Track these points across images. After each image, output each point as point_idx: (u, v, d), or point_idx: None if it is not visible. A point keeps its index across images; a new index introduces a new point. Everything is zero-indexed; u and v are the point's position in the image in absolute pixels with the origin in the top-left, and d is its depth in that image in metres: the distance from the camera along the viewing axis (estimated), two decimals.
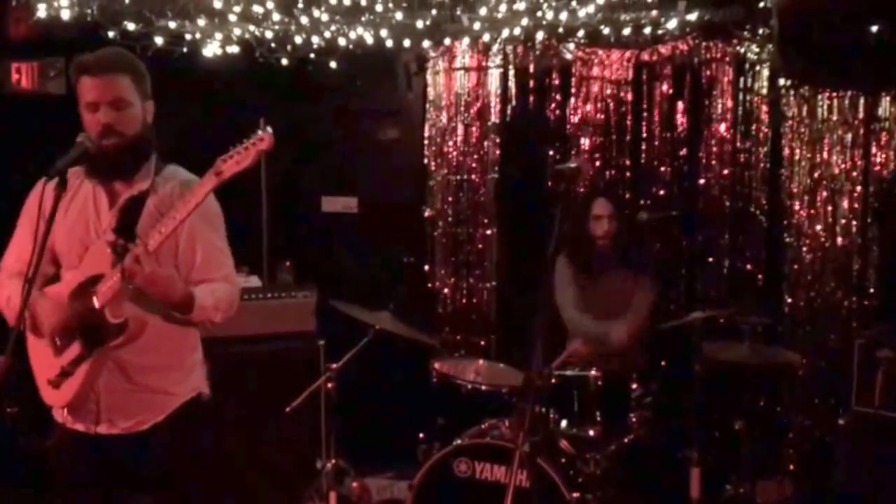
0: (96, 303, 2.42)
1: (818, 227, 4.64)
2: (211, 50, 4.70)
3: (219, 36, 4.62)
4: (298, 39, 4.68)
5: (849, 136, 4.57)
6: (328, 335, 4.22)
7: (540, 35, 4.71)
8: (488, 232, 5.14)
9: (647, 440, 3.69)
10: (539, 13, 4.47)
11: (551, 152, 5.00)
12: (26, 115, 4.77)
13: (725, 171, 4.81)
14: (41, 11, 4.45)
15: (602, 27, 4.56)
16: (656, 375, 3.90)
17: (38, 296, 2.48)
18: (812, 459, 4.52)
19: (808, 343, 4.59)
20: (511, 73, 5.03)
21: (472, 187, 5.14)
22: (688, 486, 3.67)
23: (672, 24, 4.49)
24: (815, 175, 4.65)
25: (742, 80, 4.76)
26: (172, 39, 4.55)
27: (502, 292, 5.12)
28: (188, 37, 4.60)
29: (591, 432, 3.61)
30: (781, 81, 4.66)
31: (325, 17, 4.54)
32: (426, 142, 5.17)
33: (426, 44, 4.84)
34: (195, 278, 2.57)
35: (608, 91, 4.95)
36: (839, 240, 4.61)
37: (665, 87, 4.89)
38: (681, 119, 4.87)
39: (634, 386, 3.70)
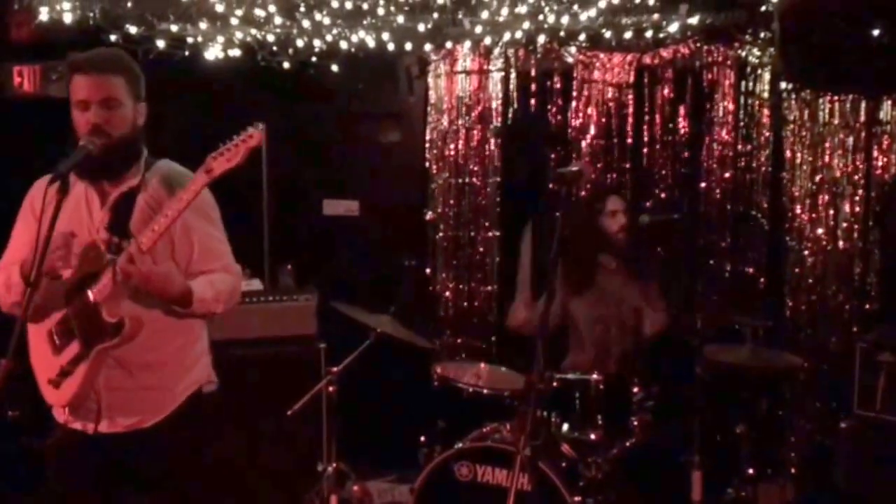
0: (91, 298, 2.42)
1: (819, 231, 4.64)
2: (213, 53, 4.70)
3: (220, 39, 4.63)
4: (300, 43, 4.68)
5: (850, 140, 4.58)
6: (329, 338, 4.22)
7: (541, 38, 4.71)
8: (490, 235, 5.14)
9: (649, 443, 3.68)
10: (540, 17, 4.47)
11: (553, 155, 5.01)
12: (28, 118, 4.78)
13: (727, 175, 4.81)
14: (43, 14, 4.45)
15: (603, 31, 4.57)
16: (657, 379, 3.90)
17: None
18: (813, 463, 4.51)
19: (810, 346, 4.59)
20: (513, 76, 5.04)
21: (473, 190, 5.14)
22: (689, 489, 3.66)
23: (673, 27, 4.49)
24: (817, 178, 4.65)
25: (743, 83, 4.76)
26: (174, 43, 4.55)
27: (504, 296, 5.12)
28: (190, 40, 4.60)
29: (593, 436, 3.60)
30: (783, 85, 4.67)
31: (326, 21, 4.55)
32: (427, 145, 5.17)
33: (428, 47, 4.85)
34: (194, 271, 2.57)
35: (609, 94, 4.96)
36: (840, 243, 4.61)
37: (666, 91, 4.89)
38: (682, 122, 4.87)
39: (636, 389, 3.69)
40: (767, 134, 4.76)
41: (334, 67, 4.81)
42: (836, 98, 4.58)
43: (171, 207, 2.36)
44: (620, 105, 4.96)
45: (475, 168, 5.12)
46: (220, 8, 4.40)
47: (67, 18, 4.44)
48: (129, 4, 4.39)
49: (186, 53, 4.64)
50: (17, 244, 2.64)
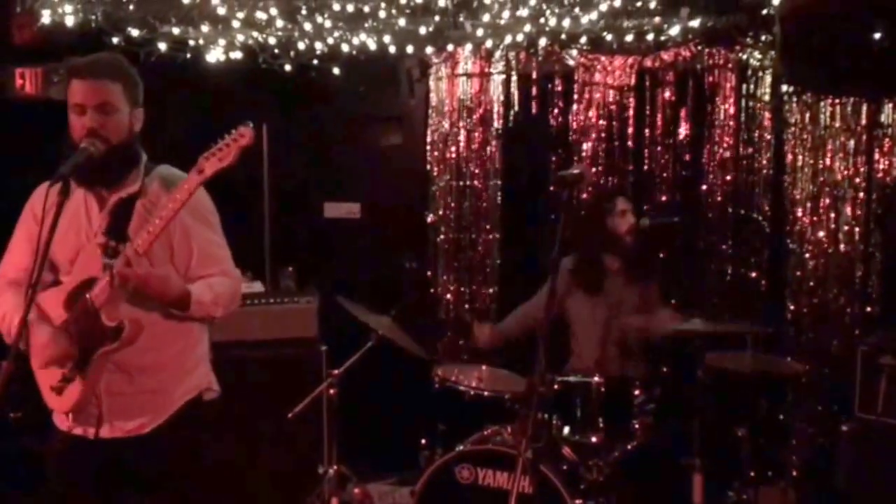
0: (90, 303, 2.42)
1: (821, 234, 4.64)
2: (214, 56, 4.71)
3: (222, 42, 4.63)
4: (302, 45, 4.69)
5: (851, 143, 4.58)
6: (330, 341, 4.22)
7: (543, 41, 4.72)
8: (490, 237, 5.14)
9: (650, 446, 3.67)
10: (542, 19, 4.48)
11: (554, 158, 5.01)
12: (29, 120, 4.78)
13: (728, 178, 4.82)
14: (45, 17, 4.46)
15: (605, 33, 4.57)
16: (658, 381, 3.89)
17: (34, 321, 2.48)
18: (815, 466, 4.50)
19: (811, 349, 4.59)
20: (514, 79, 5.05)
21: (474, 193, 5.14)
22: (690, 492, 3.66)
23: (675, 30, 4.50)
24: (818, 181, 4.65)
25: (745, 86, 4.77)
26: (176, 45, 4.55)
27: (505, 298, 5.12)
28: (191, 43, 4.61)
29: (594, 439, 3.59)
30: (784, 88, 4.67)
31: (328, 24, 4.55)
32: (429, 147, 5.17)
33: (429, 50, 4.85)
34: (193, 275, 2.57)
35: (611, 97, 4.96)
36: (842, 246, 4.61)
37: (668, 94, 4.90)
38: (683, 125, 4.88)
39: (637, 392, 3.69)
40: (768, 137, 4.76)
41: (336, 70, 4.82)
42: (837, 101, 4.59)
43: (167, 209, 2.36)
44: (621, 108, 4.97)
45: (476, 170, 5.13)
46: (221, 11, 4.41)
47: (69, 21, 4.44)
48: (131, 7, 4.40)
49: (188, 56, 4.64)
50: (17, 251, 2.65)
